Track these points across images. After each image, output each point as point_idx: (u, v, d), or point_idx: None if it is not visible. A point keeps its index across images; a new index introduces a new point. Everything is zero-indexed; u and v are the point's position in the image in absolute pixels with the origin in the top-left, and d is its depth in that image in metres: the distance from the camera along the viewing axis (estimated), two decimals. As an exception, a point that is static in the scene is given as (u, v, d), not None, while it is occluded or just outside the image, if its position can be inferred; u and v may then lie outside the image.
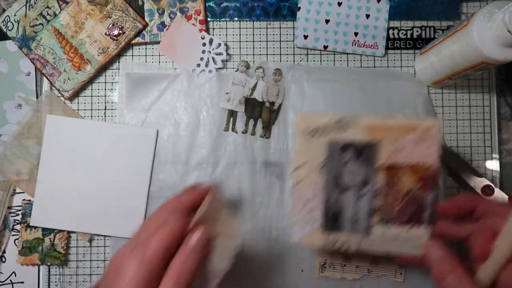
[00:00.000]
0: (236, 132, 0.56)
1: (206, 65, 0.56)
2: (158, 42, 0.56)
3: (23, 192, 0.56)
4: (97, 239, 0.56)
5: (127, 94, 0.56)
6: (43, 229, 0.55)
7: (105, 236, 0.56)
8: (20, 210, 0.56)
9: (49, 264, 0.55)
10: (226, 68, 0.57)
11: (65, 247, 0.55)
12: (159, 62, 0.57)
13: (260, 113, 0.56)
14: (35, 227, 0.55)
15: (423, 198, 0.43)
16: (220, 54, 0.56)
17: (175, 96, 0.56)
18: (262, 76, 0.56)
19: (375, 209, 0.44)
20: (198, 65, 0.56)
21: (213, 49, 0.56)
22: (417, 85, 0.56)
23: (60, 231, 0.55)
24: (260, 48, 0.57)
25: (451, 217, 0.43)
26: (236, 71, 0.56)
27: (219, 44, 0.56)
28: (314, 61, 0.57)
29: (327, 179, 0.45)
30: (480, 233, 0.39)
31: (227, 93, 0.56)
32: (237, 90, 0.56)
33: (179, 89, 0.56)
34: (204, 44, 0.56)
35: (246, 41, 0.57)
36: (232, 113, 0.56)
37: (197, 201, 0.41)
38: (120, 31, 0.55)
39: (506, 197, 0.52)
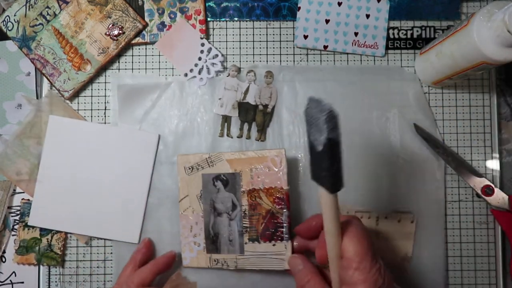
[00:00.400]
0: (232, 137, 0.56)
1: (199, 72, 0.56)
2: (158, 42, 0.57)
3: (23, 192, 0.56)
4: (97, 239, 0.56)
5: (120, 106, 0.56)
6: (41, 229, 0.55)
7: (103, 239, 0.56)
8: (19, 210, 0.56)
9: (45, 264, 0.55)
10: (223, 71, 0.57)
11: (62, 248, 0.55)
12: (159, 62, 0.57)
13: (254, 116, 0.56)
14: (33, 227, 0.55)
15: (280, 216, 0.50)
16: (215, 64, 0.56)
17: (168, 104, 0.56)
18: (253, 80, 0.56)
19: (244, 229, 0.52)
20: (191, 70, 0.56)
21: (209, 59, 0.56)
22: (408, 79, 0.56)
23: (57, 232, 0.55)
24: (260, 48, 0.57)
25: (309, 236, 0.46)
26: (227, 76, 0.56)
27: (216, 55, 0.56)
28: (314, 61, 0.57)
29: (204, 207, 0.53)
30: (319, 243, 0.43)
31: (220, 99, 0.56)
32: (229, 95, 0.56)
33: (171, 98, 0.56)
34: (202, 52, 0.56)
35: (246, 41, 0.57)
36: (226, 119, 0.56)
37: (159, 272, 0.51)
38: (120, 31, 0.55)
39: (506, 197, 0.52)
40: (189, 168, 0.53)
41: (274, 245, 0.50)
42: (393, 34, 0.57)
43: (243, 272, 0.54)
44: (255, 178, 0.51)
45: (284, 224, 0.50)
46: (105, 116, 0.57)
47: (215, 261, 0.53)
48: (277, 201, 0.51)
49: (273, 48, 0.57)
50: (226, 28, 0.57)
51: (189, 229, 0.53)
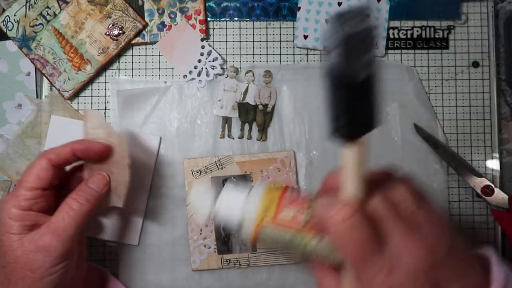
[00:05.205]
0: (233, 138, 0.56)
1: (198, 75, 0.56)
2: (158, 42, 0.57)
3: (23, 192, 0.56)
4: (97, 240, 0.56)
5: (119, 111, 0.56)
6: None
7: (103, 240, 0.55)
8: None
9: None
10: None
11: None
12: (159, 62, 0.57)
13: (254, 116, 0.56)
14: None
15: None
16: (215, 67, 0.56)
17: (167, 108, 0.56)
18: (252, 80, 0.56)
19: None
20: (190, 72, 0.56)
21: (209, 61, 0.56)
22: (406, 72, 0.56)
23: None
24: (260, 48, 0.57)
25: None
26: (225, 77, 0.56)
27: (216, 58, 0.56)
28: (314, 61, 0.57)
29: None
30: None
31: (219, 100, 0.56)
32: (229, 96, 0.56)
33: (171, 101, 0.56)
34: (202, 54, 0.56)
35: (246, 41, 0.57)
36: (226, 120, 0.56)
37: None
38: (120, 31, 0.55)
39: (506, 197, 0.52)
40: (197, 172, 0.54)
41: None
42: (393, 34, 0.57)
43: (248, 273, 0.54)
44: (266, 179, 0.54)
45: None
46: (105, 116, 0.57)
47: (226, 261, 0.53)
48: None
49: (273, 48, 0.57)
50: (226, 28, 0.57)
51: (198, 232, 0.54)
